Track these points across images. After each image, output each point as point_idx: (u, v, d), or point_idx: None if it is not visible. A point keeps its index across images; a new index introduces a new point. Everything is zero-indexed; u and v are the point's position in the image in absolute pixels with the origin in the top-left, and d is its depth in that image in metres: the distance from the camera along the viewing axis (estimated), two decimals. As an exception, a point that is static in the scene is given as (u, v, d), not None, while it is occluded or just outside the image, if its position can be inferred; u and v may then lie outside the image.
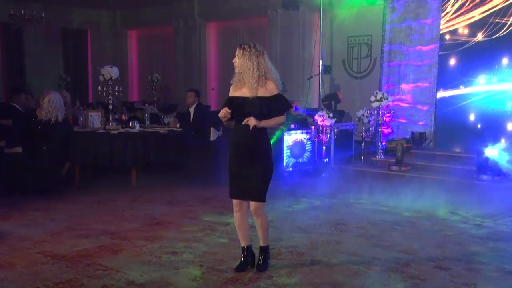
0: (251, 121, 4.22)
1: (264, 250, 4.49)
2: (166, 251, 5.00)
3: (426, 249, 5.14)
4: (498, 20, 9.37)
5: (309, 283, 4.21)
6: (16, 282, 4.21)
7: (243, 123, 4.26)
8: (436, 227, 6.00)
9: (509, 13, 9.26)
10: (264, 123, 4.27)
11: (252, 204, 4.33)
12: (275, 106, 4.31)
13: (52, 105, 7.53)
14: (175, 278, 4.31)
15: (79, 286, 4.14)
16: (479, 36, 9.63)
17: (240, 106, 4.31)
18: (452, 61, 10.10)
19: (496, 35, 9.44)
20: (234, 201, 4.40)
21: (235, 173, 4.35)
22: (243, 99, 4.30)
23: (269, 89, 4.29)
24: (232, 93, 4.37)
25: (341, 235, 5.65)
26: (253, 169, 4.28)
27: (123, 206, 6.93)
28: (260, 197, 4.32)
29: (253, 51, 4.26)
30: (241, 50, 4.29)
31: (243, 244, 4.47)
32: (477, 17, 9.71)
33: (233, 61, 4.35)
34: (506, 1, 9.30)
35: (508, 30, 9.31)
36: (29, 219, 6.25)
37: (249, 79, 4.25)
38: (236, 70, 4.33)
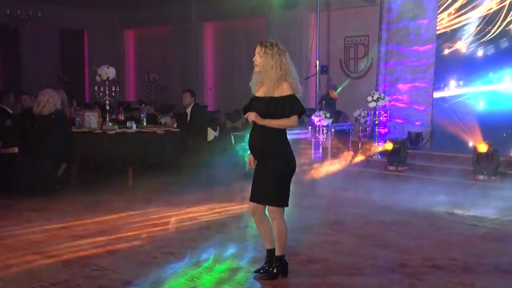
0: (251, 116, 4.12)
1: (277, 259, 4.25)
2: (163, 251, 5.00)
3: (423, 248, 5.15)
4: (483, 26, 9.44)
5: (306, 283, 4.20)
6: (12, 283, 4.20)
7: (245, 116, 4.19)
8: (433, 227, 6.00)
9: (498, 18, 9.33)
10: (267, 121, 4.08)
11: (268, 206, 4.20)
12: (282, 107, 4.08)
13: (51, 101, 7.59)
14: (172, 278, 4.31)
15: (76, 286, 4.13)
16: (473, 38, 9.67)
17: (252, 106, 4.21)
18: (449, 62, 10.13)
19: (490, 37, 9.49)
20: (249, 204, 4.26)
21: (253, 175, 4.26)
22: (257, 99, 4.18)
23: (282, 90, 4.10)
24: (255, 93, 4.25)
25: (338, 234, 5.65)
26: (263, 172, 4.15)
27: (120, 207, 6.91)
28: (270, 200, 4.14)
29: (275, 49, 4.10)
30: (263, 48, 4.12)
31: (266, 246, 4.34)
32: (471, 20, 9.76)
33: (253, 59, 4.17)
34: (498, 5, 9.36)
35: (497, 33, 9.37)
36: (25, 219, 6.23)
37: (270, 78, 4.08)
38: (257, 69, 4.15)
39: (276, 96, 4.10)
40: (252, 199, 4.23)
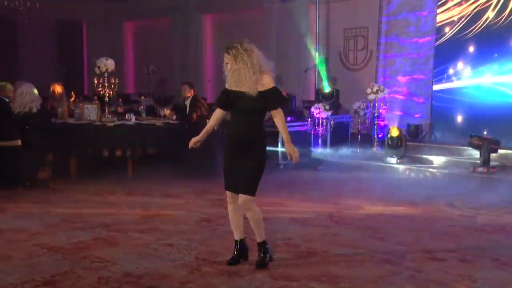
0: (295, 159, 4.25)
1: (261, 246, 4.37)
2: (162, 243, 5.01)
3: (422, 240, 5.16)
4: (482, 17, 9.41)
5: (305, 275, 4.21)
6: (13, 275, 4.20)
7: (291, 155, 4.25)
8: (432, 219, 6.02)
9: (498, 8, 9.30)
10: (287, 135, 4.22)
11: (240, 197, 4.24)
12: (269, 100, 4.21)
13: (26, 97, 7.32)
14: (171, 270, 4.31)
15: (76, 278, 4.13)
16: (473, 28, 9.64)
17: (236, 100, 4.24)
18: (448, 53, 10.11)
19: (488, 29, 9.46)
20: (227, 193, 4.35)
21: (229, 166, 4.32)
22: (241, 93, 4.21)
23: (264, 83, 4.20)
24: (230, 87, 4.26)
25: (337, 227, 5.66)
26: (246, 162, 4.22)
27: (120, 199, 6.93)
28: (248, 190, 4.22)
29: (243, 53, 4.14)
30: (231, 57, 4.17)
31: (236, 237, 4.43)
32: (469, 10, 9.73)
33: (224, 66, 4.23)
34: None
35: (496, 25, 9.35)
36: (25, 211, 6.24)
37: (247, 80, 4.15)
38: (229, 74, 4.21)
39: (262, 90, 4.19)
40: (231, 188, 4.31)
